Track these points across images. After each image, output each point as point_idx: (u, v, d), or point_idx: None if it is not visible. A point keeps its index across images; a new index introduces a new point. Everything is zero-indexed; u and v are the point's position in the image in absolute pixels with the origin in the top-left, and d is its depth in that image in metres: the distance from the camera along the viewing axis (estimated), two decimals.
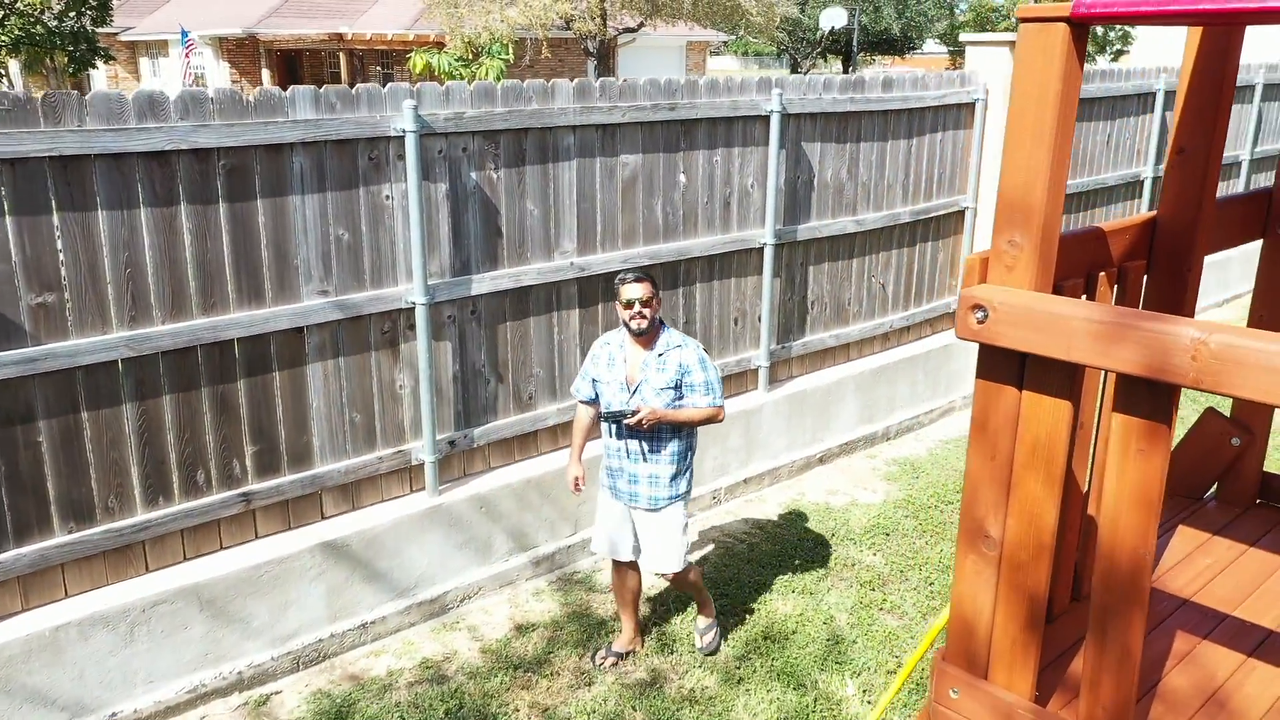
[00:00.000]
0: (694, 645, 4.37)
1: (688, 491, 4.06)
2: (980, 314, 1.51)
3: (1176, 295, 1.92)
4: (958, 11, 48.01)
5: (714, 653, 4.31)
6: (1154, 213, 2.04)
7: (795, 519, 5.55)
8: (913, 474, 6.15)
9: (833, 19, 33.86)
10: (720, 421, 4.04)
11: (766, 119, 5.40)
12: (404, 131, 4.02)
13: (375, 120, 3.98)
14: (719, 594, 4.78)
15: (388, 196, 4.14)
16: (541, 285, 4.71)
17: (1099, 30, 44.94)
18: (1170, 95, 8.44)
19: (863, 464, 6.31)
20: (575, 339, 4.92)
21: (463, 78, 20.56)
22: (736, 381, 5.76)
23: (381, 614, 4.36)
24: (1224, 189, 9.65)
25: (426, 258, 4.23)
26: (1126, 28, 44.32)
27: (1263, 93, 9.49)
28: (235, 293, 3.82)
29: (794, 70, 46.55)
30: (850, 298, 6.27)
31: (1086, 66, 7.77)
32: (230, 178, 3.72)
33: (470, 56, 22.05)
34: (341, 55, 25.83)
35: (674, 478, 3.97)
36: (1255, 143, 9.75)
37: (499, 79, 20.70)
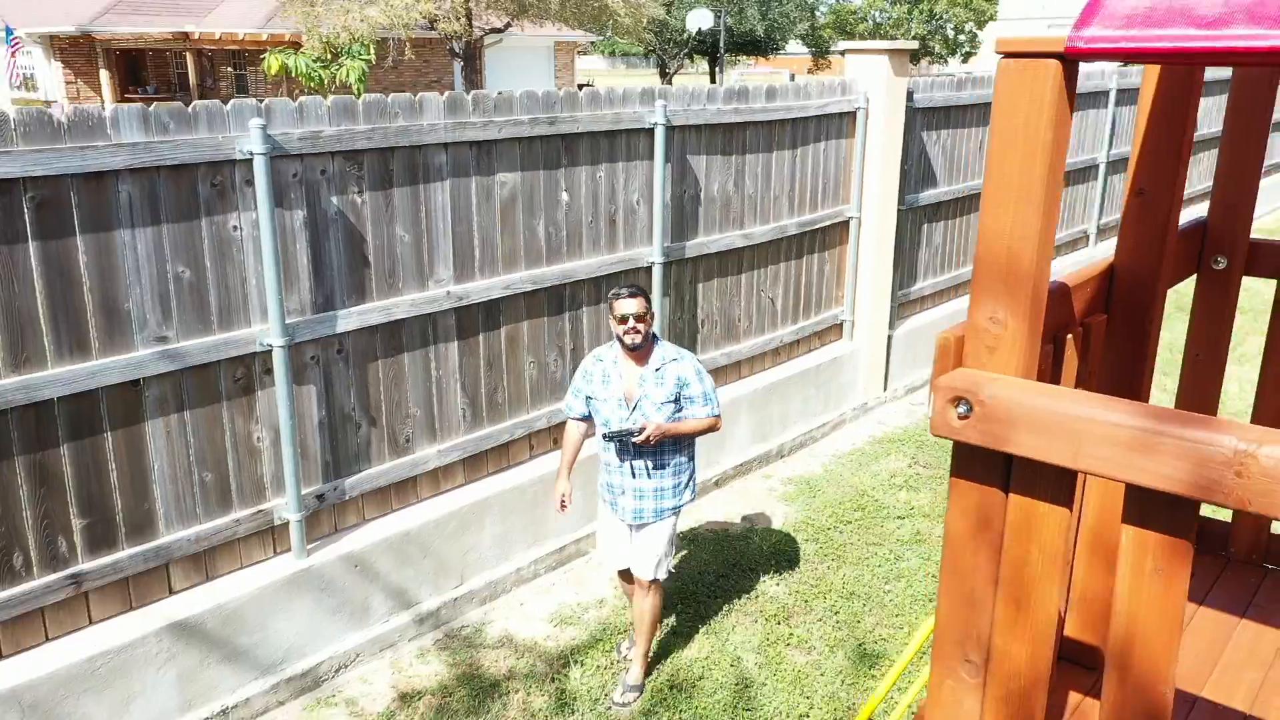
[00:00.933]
0: (602, 700, 4.06)
1: (691, 499, 4.11)
2: (963, 408, 1.26)
3: (1137, 350, 1.74)
4: (818, 14, 49.19)
5: (625, 707, 4.05)
6: (1110, 260, 1.85)
7: (695, 550, 5.31)
8: (810, 494, 6.00)
9: (699, 20, 34.09)
10: (718, 430, 4.06)
11: (651, 132, 5.12)
12: (252, 154, 3.55)
13: (218, 142, 3.50)
14: (621, 639, 4.48)
15: (235, 227, 3.66)
16: (415, 318, 4.30)
17: (949, 33, 46.83)
18: None
19: (759, 485, 6.13)
20: (455, 375, 4.53)
21: (322, 80, 19.60)
22: None
23: (245, 695, 3.87)
24: (1083, 191, 9.97)
25: (283, 294, 3.77)
26: (975, 30, 46.33)
27: (1116, 97, 9.82)
28: (53, 345, 3.28)
29: (662, 71, 46.77)
30: (740, 314, 6.07)
31: (956, 73, 7.85)
32: (41, 213, 3.18)
33: (329, 57, 21.06)
34: (189, 55, 24.30)
35: (678, 488, 4.02)
36: (1110, 145, 10.10)
37: (360, 81, 19.87)
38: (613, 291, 3.87)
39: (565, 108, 4.67)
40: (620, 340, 3.86)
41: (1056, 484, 1.25)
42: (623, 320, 3.79)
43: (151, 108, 3.36)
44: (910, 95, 6.89)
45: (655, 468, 3.91)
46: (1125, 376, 1.79)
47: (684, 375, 3.88)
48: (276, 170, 3.68)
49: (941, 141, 7.52)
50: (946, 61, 51.47)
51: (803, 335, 6.61)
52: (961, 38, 46.70)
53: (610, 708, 4.02)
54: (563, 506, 4.05)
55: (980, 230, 1.28)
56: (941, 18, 45.72)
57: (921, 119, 7.19)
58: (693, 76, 75.96)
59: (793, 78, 47.30)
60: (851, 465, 6.40)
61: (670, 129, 5.21)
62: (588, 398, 4.00)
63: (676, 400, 3.88)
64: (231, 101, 3.57)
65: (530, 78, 36.16)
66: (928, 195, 7.47)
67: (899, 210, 7.08)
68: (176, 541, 3.69)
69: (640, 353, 3.88)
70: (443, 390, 4.49)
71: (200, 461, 3.73)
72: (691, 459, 4.05)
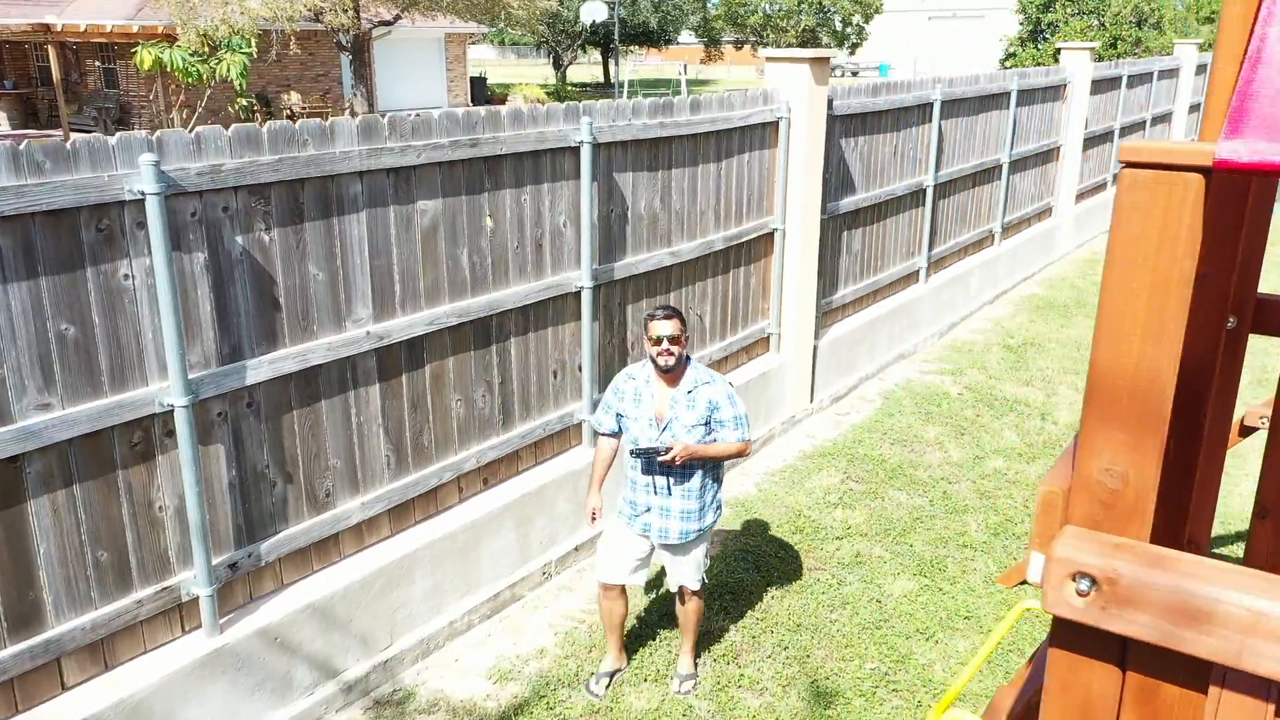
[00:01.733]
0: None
1: (715, 522, 4.15)
2: (1084, 584, 1.06)
3: (1189, 457, 1.57)
4: (710, 6, 49.33)
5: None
6: None
7: (634, 587, 5.08)
8: (746, 516, 5.85)
9: (593, 12, 33.71)
10: (747, 456, 4.41)
11: (576, 150, 4.85)
12: (144, 194, 3.15)
13: (103, 182, 3.08)
14: (568, 693, 4.23)
15: (127, 275, 3.24)
16: (333, 362, 3.94)
17: (837, 24, 47.62)
18: (947, 105, 8.66)
19: None
20: (377, 420, 4.18)
21: (200, 75, 18.51)
22: (559, 440, 5.20)
23: None
24: (988, 192, 10.10)
25: (185, 347, 3.37)
26: (862, 22, 47.23)
27: (942, 109, 9.93)
28: None
29: (556, 63, 46.18)
30: None
31: (865, 79, 7.84)
32: None
33: (207, 51, 19.95)
34: (50, 49, 22.67)
35: (703, 510, 4.04)
36: (938, 167, 10.26)
37: (242, 76, 18.85)
38: (648, 313, 3.92)
39: (487, 128, 4.36)
40: (654, 361, 3.90)
41: (1194, 668, 1.06)
42: (657, 341, 3.85)
43: (23, 145, 2.92)
44: (830, 103, 6.79)
45: (681, 487, 3.96)
46: (1172, 502, 1.61)
47: (715, 399, 3.92)
48: (172, 210, 3.27)
49: (859, 148, 7.45)
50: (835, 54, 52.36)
51: (731, 351, 6.44)
52: (849, 30, 47.53)
53: (674, 695, 4.22)
54: (593, 519, 4.15)
55: (1094, 365, 1.09)
56: (829, 10, 46.44)
57: (840, 126, 7.11)
58: (586, 67, 75.49)
59: (684, 69, 46.94)
60: (785, 483, 6.27)
61: (596, 146, 4.95)
62: (618, 415, 4.06)
63: (707, 424, 3.91)
64: (118, 135, 3.14)
65: (421, 71, 35.21)
66: (847, 202, 7.40)
67: (821, 219, 6.98)
68: (69, 632, 3.26)
69: (673, 374, 3.94)
70: (364, 437, 4.14)
71: (94, 539, 3.30)
72: (718, 480, 4.10)
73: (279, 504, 3.86)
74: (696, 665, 4.39)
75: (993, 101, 9.70)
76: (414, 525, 4.44)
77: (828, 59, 6.48)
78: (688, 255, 5.78)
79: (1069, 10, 28.05)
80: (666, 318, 3.85)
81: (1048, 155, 11.62)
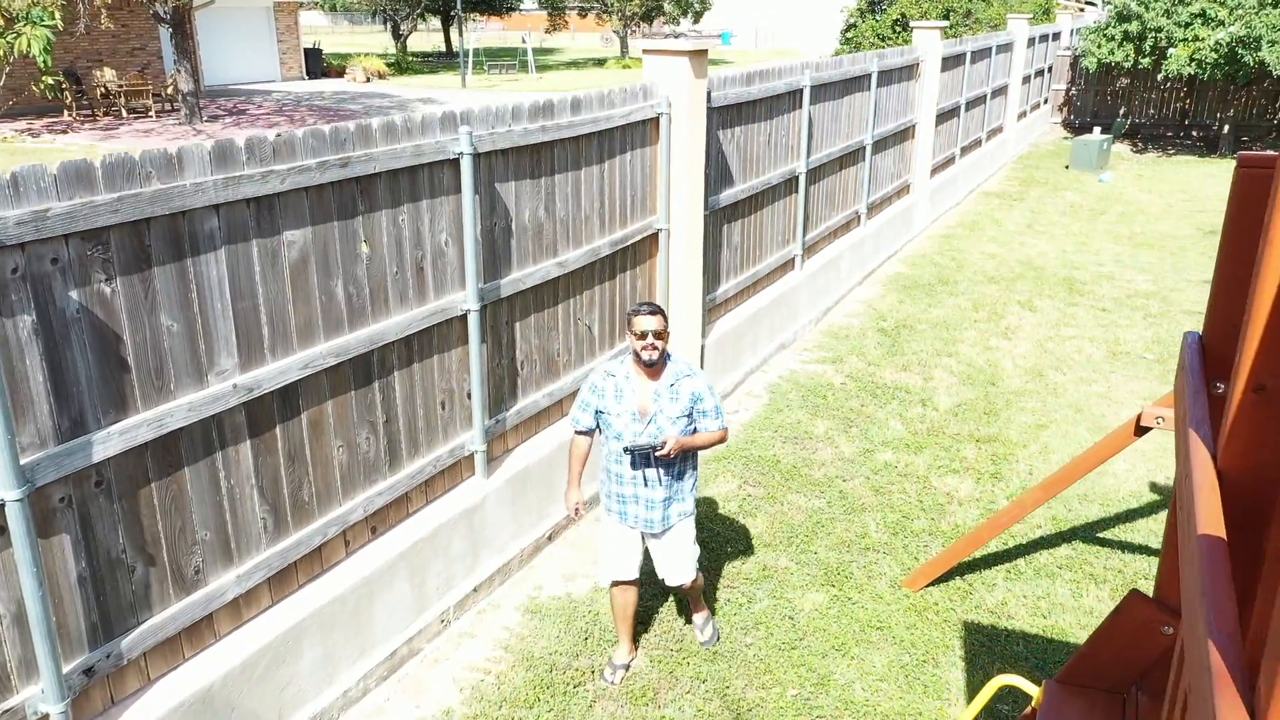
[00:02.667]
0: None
1: (694, 508, 4.31)
2: None
3: (1249, 583, 1.42)
4: None
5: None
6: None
7: (540, 624, 4.79)
8: None
9: None
10: (726, 442, 4.85)
11: (456, 162, 4.44)
12: None
13: None
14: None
15: None
16: (197, 423, 3.44)
17: None
18: (816, 89, 8.61)
19: (594, 532, 5.67)
20: (250, 480, 3.70)
21: None
22: (450, 475, 4.82)
23: None
24: (854, 173, 10.17)
25: (14, 429, 2.83)
26: None
27: (811, 95, 10.03)
28: None
29: (395, 32, 44.32)
30: (559, 348, 5.54)
31: (741, 67, 7.72)
32: None
33: (2, 24, 17.96)
34: None
35: (685, 496, 4.23)
36: (810, 152, 10.35)
37: (46, 52, 17.09)
38: (632, 308, 3.99)
39: (359, 144, 3.90)
40: (638, 355, 3.98)
41: None
42: (642, 336, 3.93)
43: None
44: (708, 95, 6.57)
45: (667, 476, 4.11)
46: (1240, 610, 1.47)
47: (698, 390, 4.06)
48: None
49: (736, 139, 7.28)
50: (679, 22, 52.47)
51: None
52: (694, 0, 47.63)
53: (705, 645, 4.56)
54: (577, 513, 4.23)
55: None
56: None
57: (718, 118, 6.91)
58: (426, 36, 72.97)
59: (528, 38, 45.89)
60: None
61: (477, 157, 4.55)
62: (598, 412, 4.12)
63: (689, 414, 4.05)
64: None
65: (250, 43, 33.06)
66: (727, 195, 7.23)
67: (704, 215, 6.78)
68: None
69: (654, 368, 4.02)
70: (237, 501, 3.66)
71: None
72: (695, 467, 4.28)
73: (140, 591, 3.35)
74: (711, 609, 4.78)
75: (856, 84, 9.74)
76: (298, 590, 3.99)
77: (706, 51, 6.25)
78: (575, 264, 5.46)
79: None
80: (650, 313, 3.93)
81: (904, 134, 11.83)
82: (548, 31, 52.94)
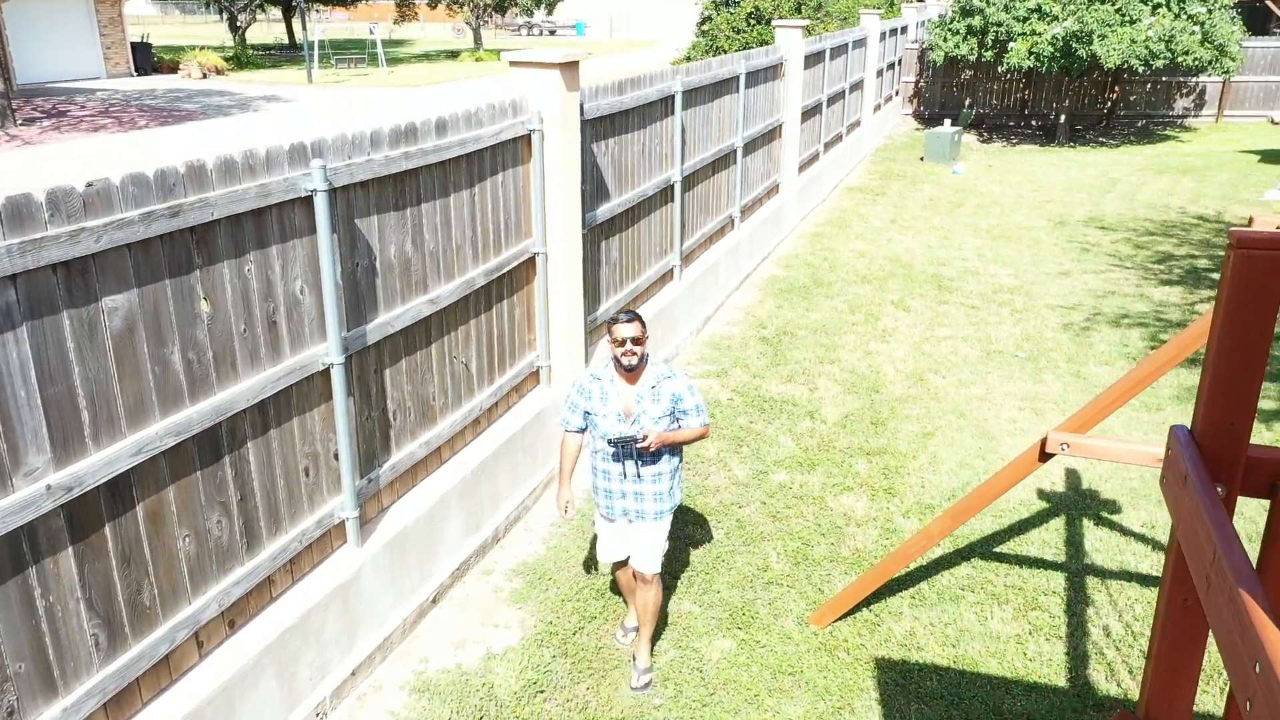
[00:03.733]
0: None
1: (679, 500, 4.49)
2: None
3: None
4: None
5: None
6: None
7: (429, 706, 4.34)
8: (541, 586, 5.24)
9: None
10: (706, 437, 5.19)
11: (309, 200, 3.93)
12: None
13: None
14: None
15: None
16: (1, 538, 2.85)
17: None
18: (688, 94, 8.35)
19: (481, 588, 5.24)
20: (75, 594, 3.12)
21: None
22: (319, 548, 4.31)
23: None
24: (725, 177, 10.00)
25: None
26: None
27: (683, 100, 9.88)
28: None
29: (232, 23, 41.91)
30: (435, 391, 5.08)
31: (620, 75, 7.40)
32: None
33: None
34: None
35: (671, 490, 4.41)
36: (684, 159, 10.20)
37: None
38: (611, 317, 4.26)
39: (191, 188, 3.35)
40: (618, 360, 4.19)
41: None
42: (621, 343, 4.13)
43: None
44: (581, 108, 6.20)
45: (651, 470, 4.29)
46: None
47: (678, 391, 4.27)
48: None
49: (610, 151, 6.94)
50: (532, 13, 51.76)
51: (501, 394, 5.75)
52: None
53: (633, 692, 4.42)
54: (565, 511, 4.45)
55: None
56: None
57: (591, 130, 6.54)
58: (267, 27, 69.65)
59: (376, 29, 44.40)
60: (575, 537, 5.72)
61: (333, 192, 4.05)
62: (585, 413, 4.33)
63: (671, 414, 4.26)
64: None
65: (68, 36, 30.55)
66: (604, 211, 6.88)
67: (582, 234, 6.41)
68: None
69: (635, 373, 4.23)
70: (59, 621, 3.08)
71: None
72: (681, 463, 4.46)
73: None
74: (653, 656, 4.63)
75: (725, 87, 9.54)
76: (141, 711, 3.42)
77: (577, 62, 5.87)
78: (448, 299, 5.00)
79: None
80: (629, 321, 4.12)
81: (772, 134, 11.76)
82: (396, 22, 51.27)
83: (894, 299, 10.14)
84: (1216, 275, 10.87)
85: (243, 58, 40.12)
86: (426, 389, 4.99)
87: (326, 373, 4.15)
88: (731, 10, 29.99)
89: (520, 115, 5.61)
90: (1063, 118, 21.37)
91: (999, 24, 19.59)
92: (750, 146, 10.73)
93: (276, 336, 3.87)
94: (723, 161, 9.79)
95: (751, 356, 8.54)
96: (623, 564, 4.61)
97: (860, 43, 17.24)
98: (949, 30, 20.85)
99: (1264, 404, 7.51)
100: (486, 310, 5.50)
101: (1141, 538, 5.76)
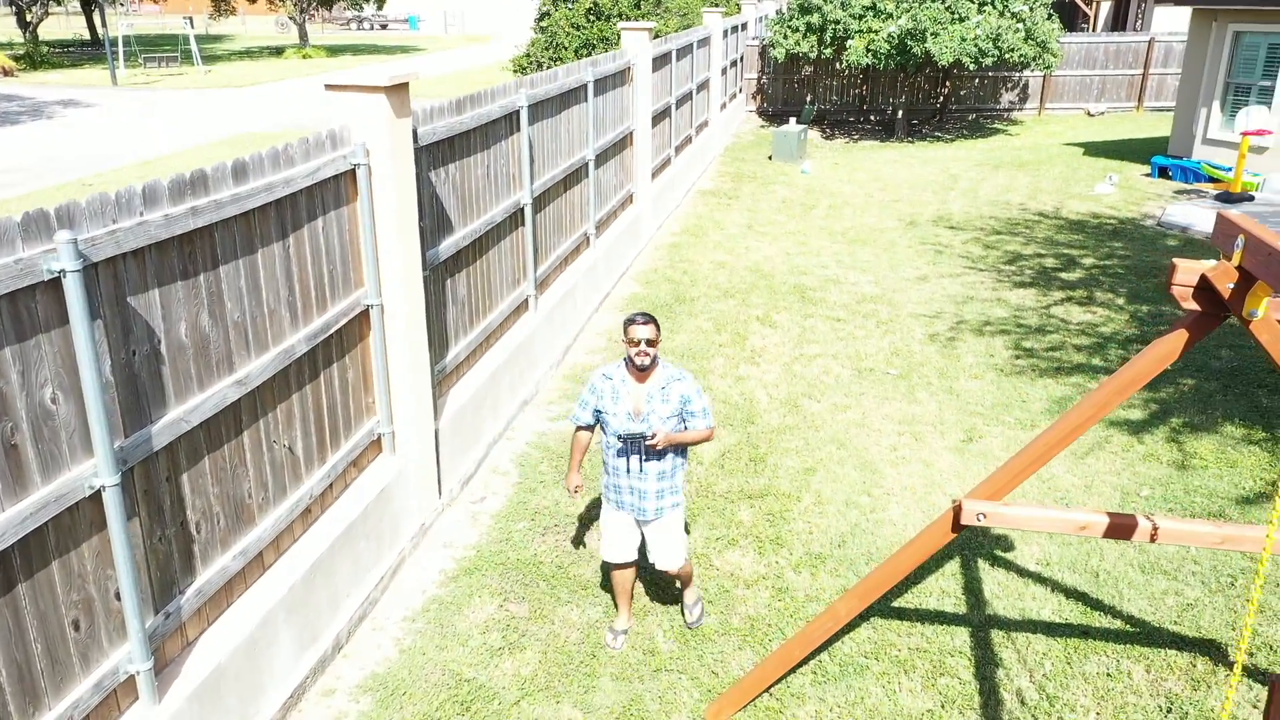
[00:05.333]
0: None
1: (682, 499, 4.65)
2: None
3: None
4: None
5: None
6: None
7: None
8: (395, 702, 4.46)
9: None
10: (711, 440, 5.08)
11: (57, 282, 3.03)
12: None
13: None
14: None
15: None
16: None
17: None
18: (534, 108, 7.63)
19: (323, 714, 4.41)
20: None
21: None
22: (100, 717, 3.40)
23: None
24: (578, 193, 9.34)
25: None
26: None
27: (529, 114, 9.27)
28: None
29: (21, 19, 38.07)
30: (251, 486, 4.21)
31: (459, 92, 6.61)
32: None
33: None
34: None
35: (674, 488, 4.57)
36: (533, 179, 9.59)
37: None
38: (627, 318, 4.34)
39: None
40: (631, 360, 4.37)
41: None
42: (635, 343, 4.29)
43: None
44: (414, 134, 5.40)
45: (656, 468, 4.47)
46: None
47: (687, 393, 4.43)
48: None
49: (451, 178, 6.16)
50: (361, 7, 49.52)
51: (337, 473, 4.92)
52: None
53: (689, 626, 4.91)
54: (576, 492, 4.68)
55: None
56: None
57: (428, 158, 5.75)
58: (63, 21, 64.12)
59: (191, 21, 41.37)
60: (432, 633, 4.95)
61: (92, 268, 3.15)
62: (596, 410, 4.52)
63: (679, 414, 4.42)
64: None
65: None
66: (448, 246, 6.10)
67: (424, 276, 5.62)
68: None
69: (646, 372, 4.39)
70: None
71: None
72: (686, 463, 4.65)
73: None
74: (700, 595, 5.08)
75: (573, 96, 8.88)
76: None
77: (406, 84, 5.07)
78: (261, 376, 4.15)
79: None
80: (645, 323, 4.29)
81: (623, 142, 11.19)
82: (213, 17, 48.01)
83: (759, 314, 9.74)
84: (1065, 275, 11.02)
85: (36, 56, 36.56)
86: (240, 486, 4.12)
87: (97, 497, 3.25)
88: (570, 6, 29.31)
89: (341, 149, 4.77)
90: (899, 113, 21.77)
91: (836, 21, 19.70)
92: (602, 157, 10.11)
93: (18, 464, 2.96)
94: (574, 176, 9.12)
95: None
96: (622, 566, 4.77)
97: (704, 41, 16.90)
98: (789, 27, 20.85)
99: (1131, 414, 7.47)
100: (312, 379, 4.66)
101: (1039, 577, 5.48)
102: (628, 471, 4.52)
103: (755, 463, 6.77)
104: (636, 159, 11.78)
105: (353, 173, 4.87)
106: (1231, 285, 3.38)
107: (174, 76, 33.90)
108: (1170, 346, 3.61)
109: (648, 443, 4.30)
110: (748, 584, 5.43)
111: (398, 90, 4.95)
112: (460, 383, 6.53)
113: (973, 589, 5.39)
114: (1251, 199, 14.18)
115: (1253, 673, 4.73)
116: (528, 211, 7.58)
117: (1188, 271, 3.48)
